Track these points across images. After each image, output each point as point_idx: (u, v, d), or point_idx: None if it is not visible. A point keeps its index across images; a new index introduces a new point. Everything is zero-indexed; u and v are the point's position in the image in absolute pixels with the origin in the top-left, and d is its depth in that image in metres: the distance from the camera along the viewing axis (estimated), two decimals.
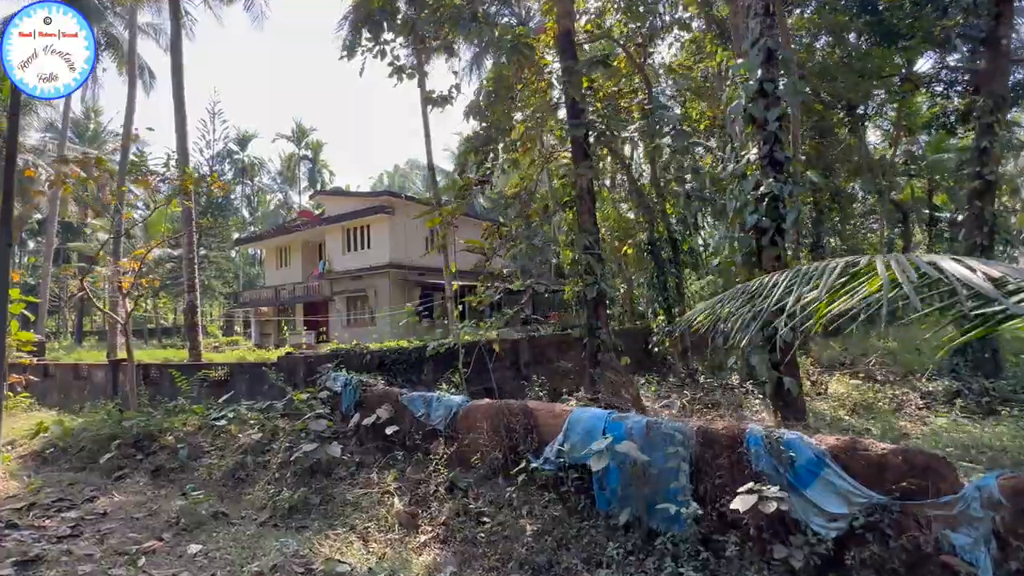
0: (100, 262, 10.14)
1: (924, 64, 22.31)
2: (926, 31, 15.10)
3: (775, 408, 5.70)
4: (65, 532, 4.96)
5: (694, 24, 15.22)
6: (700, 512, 3.68)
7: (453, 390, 7.70)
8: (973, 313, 2.18)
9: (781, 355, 5.59)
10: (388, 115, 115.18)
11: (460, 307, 8.59)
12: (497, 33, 9.33)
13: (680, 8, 14.59)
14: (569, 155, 15.36)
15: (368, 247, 25.21)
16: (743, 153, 5.91)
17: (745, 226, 5.83)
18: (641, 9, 12.02)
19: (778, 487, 3.43)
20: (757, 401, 10.12)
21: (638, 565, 3.85)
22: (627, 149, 15.57)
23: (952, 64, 22.18)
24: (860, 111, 22.45)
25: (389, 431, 6.31)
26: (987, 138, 10.49)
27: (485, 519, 4.72)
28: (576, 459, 4.64)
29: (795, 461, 3.53)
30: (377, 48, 9.62)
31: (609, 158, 14.56)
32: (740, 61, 5.90)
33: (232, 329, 41.17)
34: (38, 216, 36.26)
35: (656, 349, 14.39)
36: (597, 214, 13.28)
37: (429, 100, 9.84)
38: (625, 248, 15.67)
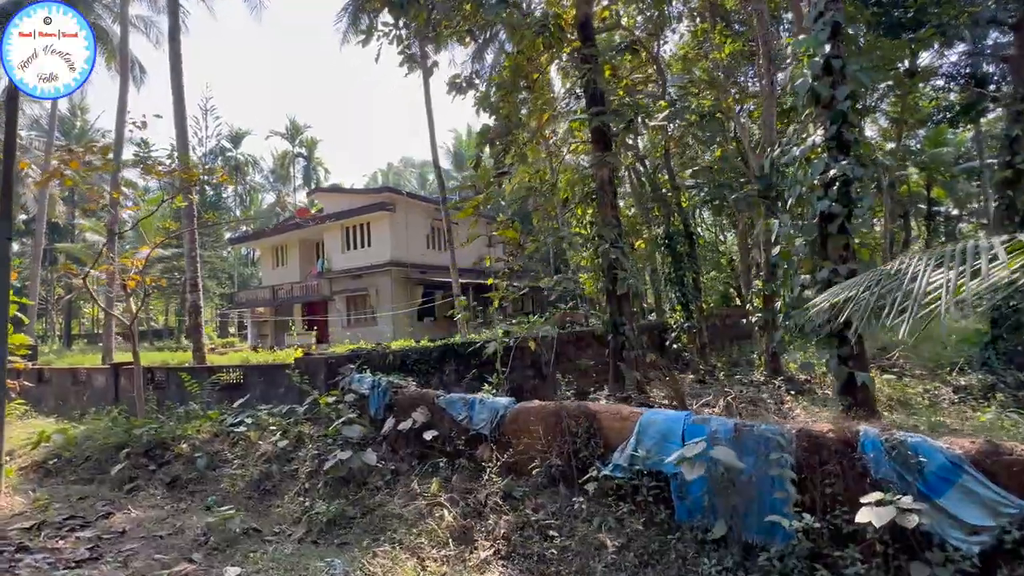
0: (99, 261, 9.56)
1: (923, 59, 22.22)
2: (941, 22, 14.92)
3: (843, 405, 5.35)
4: (83, 555, 4.47)
5: (697, 20, 14.95)
6: (817, 525, 3.29)
7: (494, 391, 7.27)
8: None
9: (853, 348, 5.23)
10: (381, 114, 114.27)
11: (495, 304, 8.15)
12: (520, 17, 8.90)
13: None
14: (575, 147, 15.08)
15: (368, 245, 24.68)
16: (804, 135, 5.55)
17: (808, 214, 5.47)
18: None
19: (909, 497, 3.05)
20: (788, 398, 9.81)
21: None
22: (639, 142, 15.20)
23: (952, 59, 22.16)
24: (859, 105, 22.31)
25: (428, 436, 5.88)
26: (1019, 126, 10.24)
27: (552, 532, 4.31)
28: (651, 465, 4.25)
29: (924, 467, 3.16)
30: (394, 34, 9.16)
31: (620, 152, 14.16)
32: (802, 37, 5.55)
33: (226, 331, 40.38)
34: (23, 216, 35.24)
35: (674, 345, 14.06)
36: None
37: (452, 86, 9.39)
38: (638, 243, 15.33)
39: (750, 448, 3.84)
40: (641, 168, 14.24)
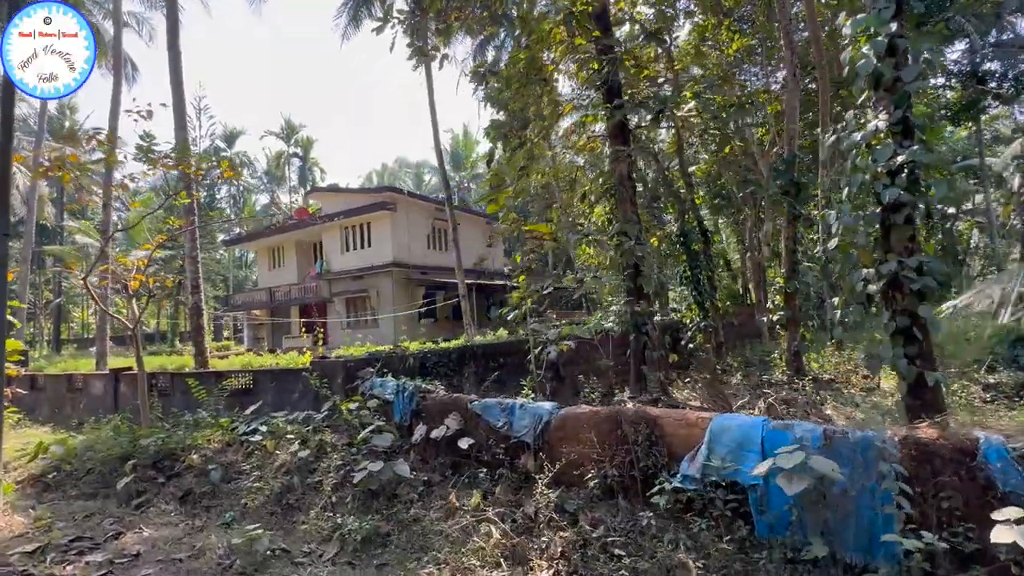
0: (100, 260, 9.04)
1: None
2: (950, 15, 14.79)
3: (908, 407, 5.01)
4: None
5: (701, 17, 14.71)
6: (945, 546, 2.93)
7: (532, 395, 6.88)
8: None
9: (922, 346, 4.90)
10: (376, 115, 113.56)
11: (528, 303, 7.74)
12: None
13: None
14: (581, 143, 14.74)
15: (369, 245, 24.19)
16: (864, 120, 5.23)
17: (865, 204, 5.13)
18: None
19: None
20: (816, 398, 9.50)
21: None
22: (656, 135, 14.89)
23: (952, 56, 22.11)
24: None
25: (463, 444, 5.47)
26: None
27: (617, 551, 3.92)
28: (727, 476, 3.88)
29: None
30: (409, 22, 8.77)
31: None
32: (860, 16, 5.23)
33: (221, 334, 39.64)
34: (11, 218, 34.37)
35: (690, 345, 13.74)
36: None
37: (476, 75, 8.99)
38: (652, 240, 15.00)
39: (845, 457, 3.48)
40: (654, 164, 13.93)
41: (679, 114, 11.30)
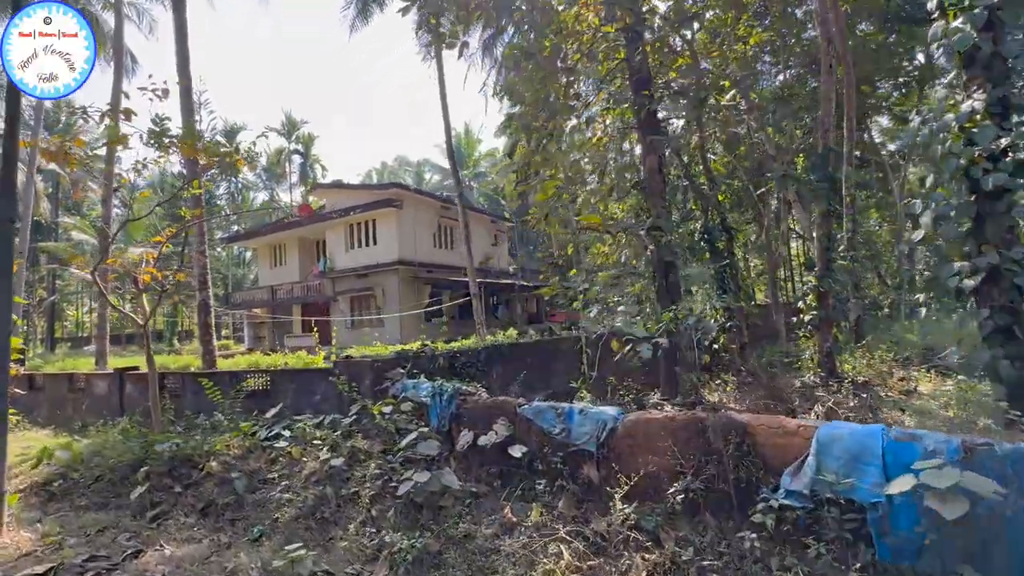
0: (107, 254, 8.51)
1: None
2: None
3: (1012, 414, 4.59)
4: None
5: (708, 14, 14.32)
6: None
7: (589, 397, 6.41)
8: None
9: (1022, 347, 4.47)
10: (377, 114, 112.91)
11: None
12: None
13: None
14: (600, 138, 14.26)
15: (374, 243, 23.66)
16: (955, 100, 4.80)
17: (960, 192, 4.71)
18: None
19: None
20: (854, 401, 9.07)
21: None
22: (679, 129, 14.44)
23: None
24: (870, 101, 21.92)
25: (516, 453, 5.00)
26: None
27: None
28: (842, 492, 3.42)
29: None
30: (429, 5, 8.30)
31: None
32: None
33: (219, 333, 38.96)
34: None
35: (714, 346, 13.31)
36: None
37: (508, 58, 8.53)
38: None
39: (990, 472, 3.03)
40: (676, 160, 13.49)
41: (722, 103, 10.85)
